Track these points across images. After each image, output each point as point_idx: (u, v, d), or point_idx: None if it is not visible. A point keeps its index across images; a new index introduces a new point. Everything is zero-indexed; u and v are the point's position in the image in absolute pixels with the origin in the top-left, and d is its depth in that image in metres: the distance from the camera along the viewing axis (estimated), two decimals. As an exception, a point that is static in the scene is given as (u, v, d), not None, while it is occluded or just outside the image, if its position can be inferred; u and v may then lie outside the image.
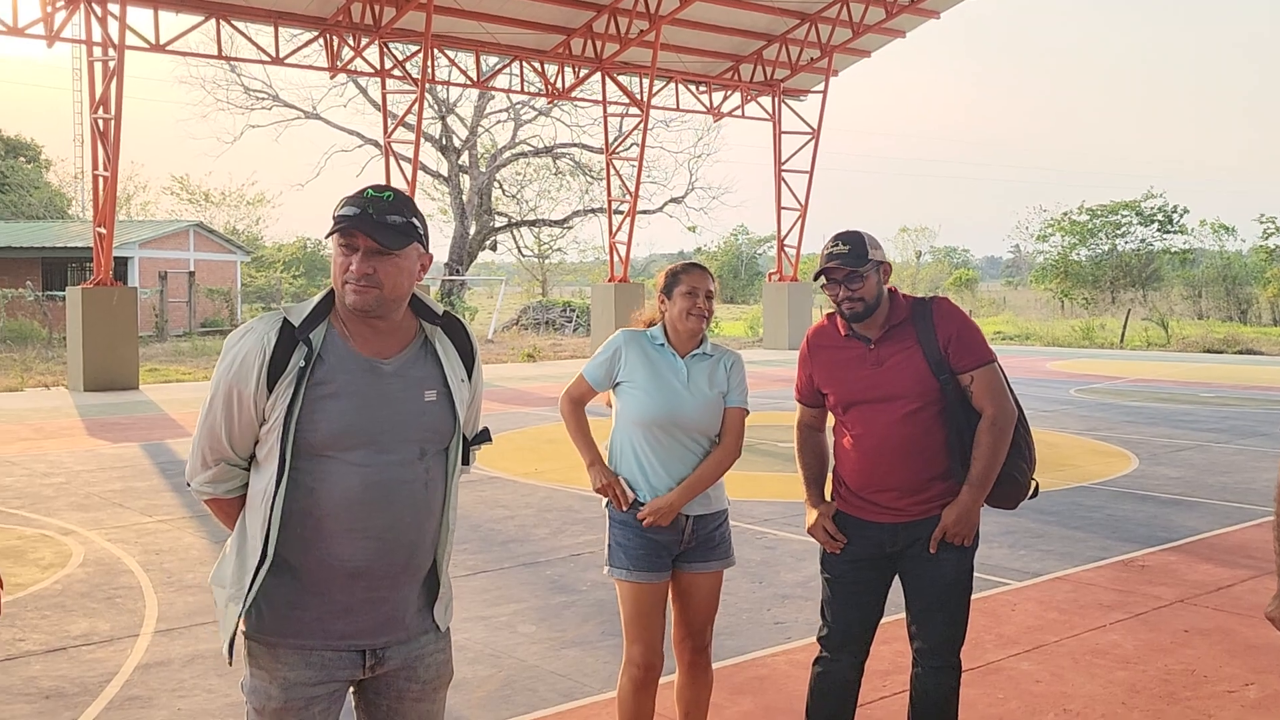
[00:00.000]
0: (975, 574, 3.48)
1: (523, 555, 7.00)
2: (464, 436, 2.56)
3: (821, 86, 27.46)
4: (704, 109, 28.14)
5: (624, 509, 3.52)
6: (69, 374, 18.61)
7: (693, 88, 27.34)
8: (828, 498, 3.54)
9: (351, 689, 2.51)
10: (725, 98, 27.97)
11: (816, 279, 3.42)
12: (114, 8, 17.81)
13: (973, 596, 3.48)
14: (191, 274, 34.12)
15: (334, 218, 2.38)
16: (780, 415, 12.76)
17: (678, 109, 28.08)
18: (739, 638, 5.34)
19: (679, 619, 3.63)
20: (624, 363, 3.58)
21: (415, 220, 2.42)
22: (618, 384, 3.61)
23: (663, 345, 3.60)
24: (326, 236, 2.42)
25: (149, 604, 5.93)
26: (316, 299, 2.46)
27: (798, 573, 6.52)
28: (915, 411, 3.34)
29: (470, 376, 2.57)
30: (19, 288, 30.51)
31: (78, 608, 5.78)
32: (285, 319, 2.40)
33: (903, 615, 3.50)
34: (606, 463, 3.63)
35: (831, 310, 3.50)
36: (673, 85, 26.59)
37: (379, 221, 2.34)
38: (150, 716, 4.36)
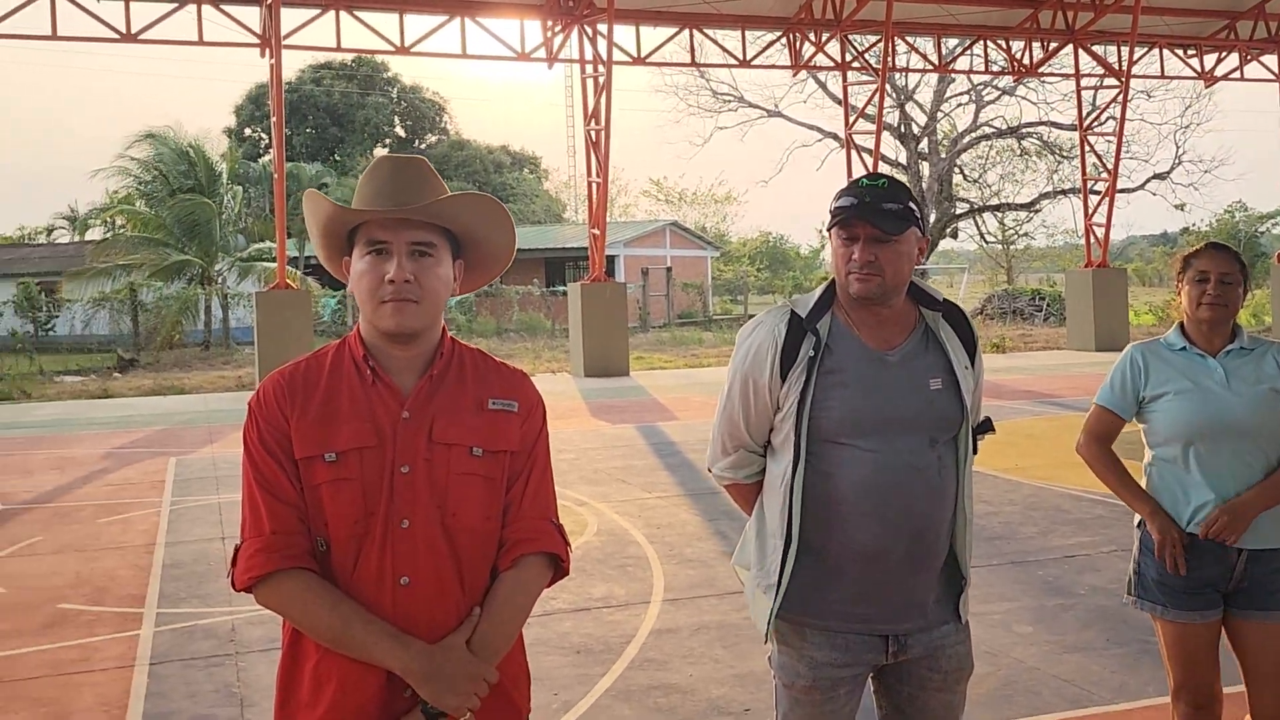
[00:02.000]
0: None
1: (1010, 553, 6.76)
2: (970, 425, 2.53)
3: (1347, 34, 23.75)
4: (1194, 74, 25.43)
5: (1182, 573, 3.06)
6: (571, 361, 20.74)
7: (1180, 52, 24.78)
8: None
9: (871, 674, 2.55)
10: (1219, 60, 25.06)
11: None
12: (603, 27, 19.49)
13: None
14: (669, 269, 36.59)
15: (831, 210, 2.43)
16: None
17: (1162, 76, 25.63)
18: None
19: (1245, 678, 3.14)
20: (1145, 377, 3.15)
21: (912, 205, 2.41)
22: (1142, 402, 3.17)
23: (1184, 349, 3.15)
24: (828, 229, 2.48)
25: (656, 574, 6.45)
26: (819, 291, 2.52)
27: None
28: None
29: (973, 364, 2.53)
30: (527, 285, 34.41)
31: (596, 573, 6.42)
32: (793, 311, 2.48)
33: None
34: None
35: None
36: (1155, 51, 24.28)
37: (877, 209, 2.36)
38: (667, 678, 4.75)
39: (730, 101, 38.10)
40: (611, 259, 35.87)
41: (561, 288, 32.09)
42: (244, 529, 1.97)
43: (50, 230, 48.32)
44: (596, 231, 20.27)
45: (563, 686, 4.64)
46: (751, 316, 2.67)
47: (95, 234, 37.32)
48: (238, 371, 22.68)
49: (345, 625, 1.88)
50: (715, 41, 22.06)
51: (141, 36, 17.87)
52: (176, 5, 17.87)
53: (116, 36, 17.76)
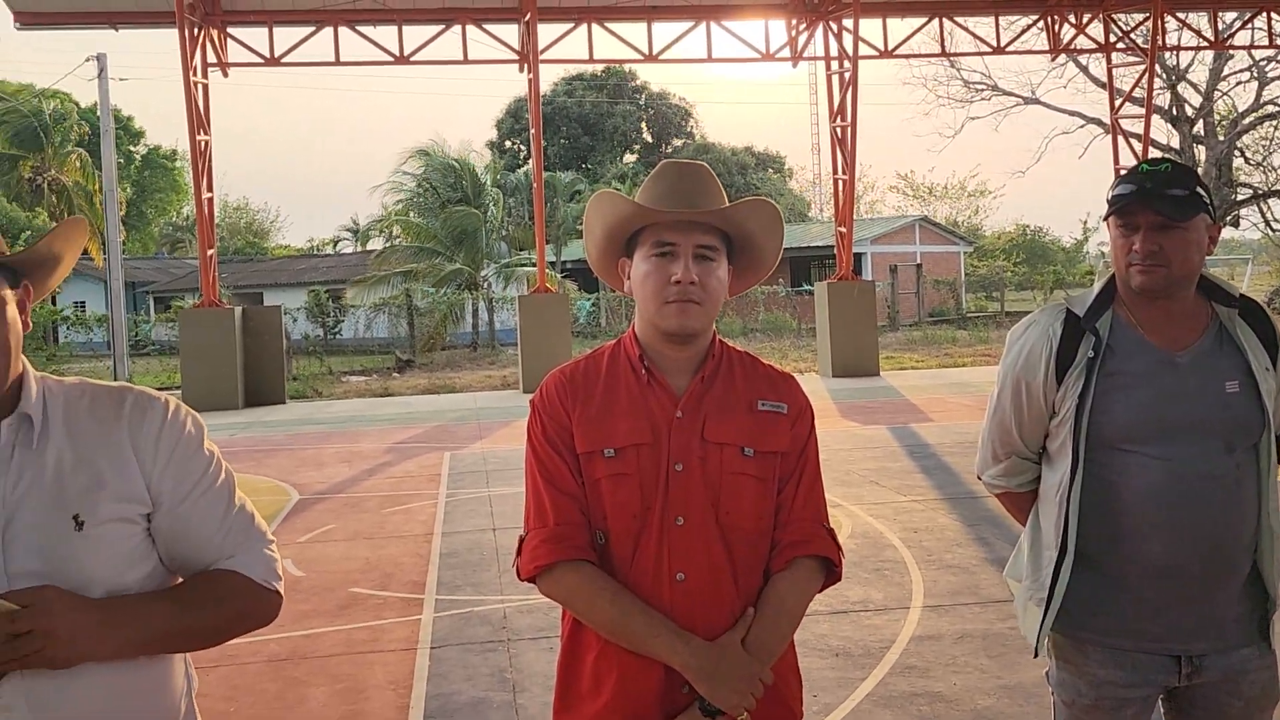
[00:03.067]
0: None
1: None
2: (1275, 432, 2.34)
3: None
4: None
5: None
6: (819, 361, 20.57)
7: None
8: None
9: (1162, 696, 2.41)
10: None
11: None
12: (848, 23, 19.21)
13: None
14: (919, 266, 35.64)
15: (1109, 199, 2.30)
16: None
17: None
18: None
19: None
20: None
21: (1199, 189, 2.25)
22: None
23: None
24: (1104, 219, 2.35)
25: (914, 579, 6.32)
26: (1098, 286, 2.40)
27: None
28: None
29: (1275, 365, 2.33)
30: (773, 284, 34.42)
31: (853, 575, 6.36)
32: (1068, 309, 2.37)
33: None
34: None
35: None
36: None
37: (1160, 194, 2.22)
38: (930, 686, 4.65)
39: (983, 90, 36.57)
40: (859, 256, 35.30)
41: (807, 287, 31.89)
42: (528, 520, 2.06)
43: (336, 242, 52.35)
44: (843, 229, 20.01)
45: (822, 689, 4.64)
46: (1008, 314, 2.57)
47: (375, 244, 40.26)
48: (503, 371, 23.88)
49: (625, 617, 1.93)
50: (966, 29, 21.30)
51: (413, 58, 19.13)
52: (444, 27, 19.02)
53: (390, 59, 19.08)
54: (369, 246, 42.02)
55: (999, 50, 21.69)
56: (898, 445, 11.46)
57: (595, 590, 1.95)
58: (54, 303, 29.19)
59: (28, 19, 18.15)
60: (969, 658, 4.97)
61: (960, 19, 20.97)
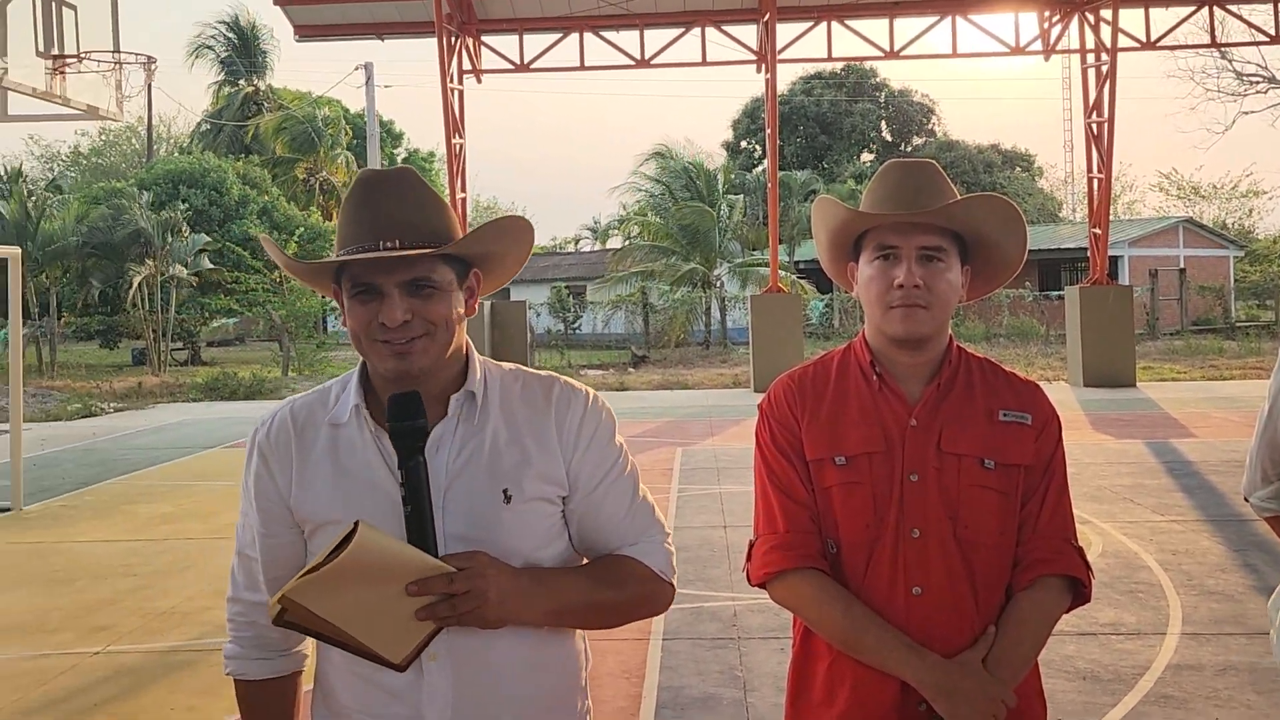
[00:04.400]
0: None
1: None
2: None
3: None
4: None
5: None
6: (1069, 369, 19.55)
7: None
8: None
9: None
10: None
11: None
12: (1106, 14, 18.13)
13: None
14: (1182, 271, 33.26)
15: None
16: None
17: None
18: None
19: None
20: None
21: None
22: None
23: None
24: None
25: (1171, 603, 5.91)
26: None
27: None
28: None
29: None
30: (1019, 288, 32.95)
31: (1103, 596, 6.00)
32: None
33: None
34: None
35: None
36: None
37: None
38: (1189, 719, 4.34)
39: (1258, 83, 33.81)
40: (1115, 260, 33.28)
41: (1057, 291, 30.35)
42: (758, 526, 2.04)
43: (577, 240, 54.02)
44: (1098, 231, 18.92)
45: (1068, 713, 4.41)
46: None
47: (614, 243, 41.28)
48: (734, 370, 23.98)
49: (858, 629, 1.89)
50: (1239, 17, 19.66)
51: (654, 61, 19.48)
52: (683, 29, 19.27)
53: (632, 62, 19.51)
54: (608, 245, 43.12)
55: (1277, 39, 19.91)
56: (1155, 461, 10.72)
57: (826, 600, 1.92)
58: (322, 295, 31.49)
59: (306, 31, 19.67)
60: (1234, 692, 4.60)
61: (1233, 6, 19.40)
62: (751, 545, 2.04)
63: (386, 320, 1.68)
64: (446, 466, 1.71)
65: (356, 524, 1.55)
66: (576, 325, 34.08)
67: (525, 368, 1.87)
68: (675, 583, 1.86)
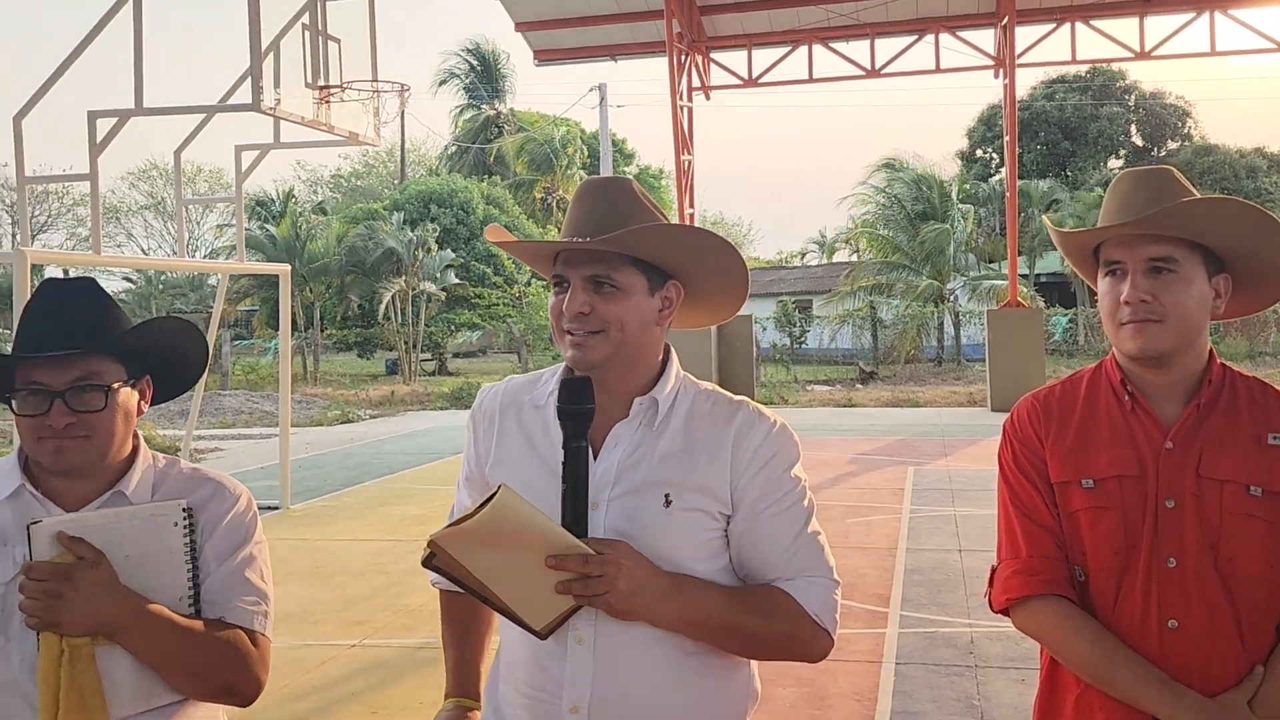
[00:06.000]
0: None
1: None
2: None
3: None
4: None
5: None
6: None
7: None
8: None
9: None
10: None
11: None
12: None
13: None
14: None
15: None
16: None
17: None
18: None
19: None
20: None
21: None
22: None
23: None
24: None
25: None
26: None
27: None
28: None
29: None
30: (1287, 302, 30.33)
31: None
32: None
33: None
34: None
35: None
36: None
37: None
38: None
39: None
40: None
41: (1334, 304, 27.70)
42: (1000, 550, 1.98)
43: (803, 254, 53.69)
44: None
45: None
46: None
47: (840, 256, 40.74)
48: (969, 388, 23.18)
49: (1107, 662, 1.80)
50: None
51: (884, 71, 19.13)
52: (916, 37, 18.84)
53: (862, 73, 19.24)
54: (835, 259, 42.59)
55: None
56: None
57: (1073, 629, 1.84)
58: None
59: (544, 55, 20.48)
60: None
61: None
62: (993, 570, 1.99)
63: (566, 309, 1.76)
64: (618, 464, 1.77)
65: (499, 487, 1.62)
66: (802, 340, 33.83)
67: (723, 391, 1.88)
68: (834, 634, 1.79)
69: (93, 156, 8.52)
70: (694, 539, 1.77)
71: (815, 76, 19.58)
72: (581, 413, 1.71)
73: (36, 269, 13.34)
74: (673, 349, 1.90)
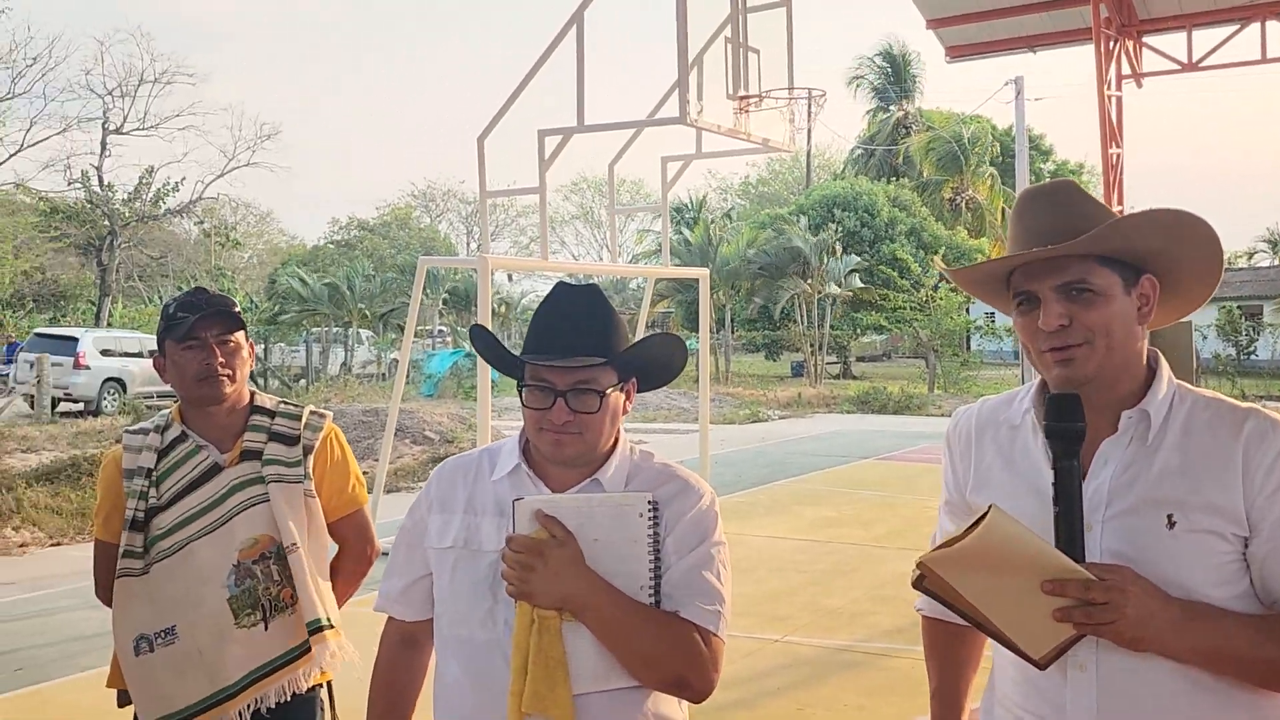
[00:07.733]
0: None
1: None
2: None
3: None
4: None
5: None
6: None
7: None
8: None
9: None
10: None
11: None
12: None
13: None
14: None
15: None
16: None
17: None
18: None
19: None
20: None
21: None
22: None
23: None
24: None
25: None
26: None
27: None
28: None
29: None
30: None
31: None
32: None
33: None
34: None
35: None
36: None
37: None
38: None
39: None
40: None
41: None
42: None
43: (1250, 254, 48.24)
44: None
45: None
46: None
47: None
48: None
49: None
50: None
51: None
52: None
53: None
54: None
55: None
56: None
57: None
58: (968, 313, 31.57)
59: (957, 51, 19.79)
60: None
61: None
62: None
63: (1044, 325, 1.65)
64: (1110, 483, 1.67)
65: (989, 508, 1.56)
66: (1251, 351, 30.27)
67: (1225, 397, 1.72)
68: None
69: (541, 172, 9.33)
70: (1206, 562, 1.63)
71: (1269, 56, 17.41)
72: (1072, 430, 1.63)
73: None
74: (1160, 354, 1.76)
